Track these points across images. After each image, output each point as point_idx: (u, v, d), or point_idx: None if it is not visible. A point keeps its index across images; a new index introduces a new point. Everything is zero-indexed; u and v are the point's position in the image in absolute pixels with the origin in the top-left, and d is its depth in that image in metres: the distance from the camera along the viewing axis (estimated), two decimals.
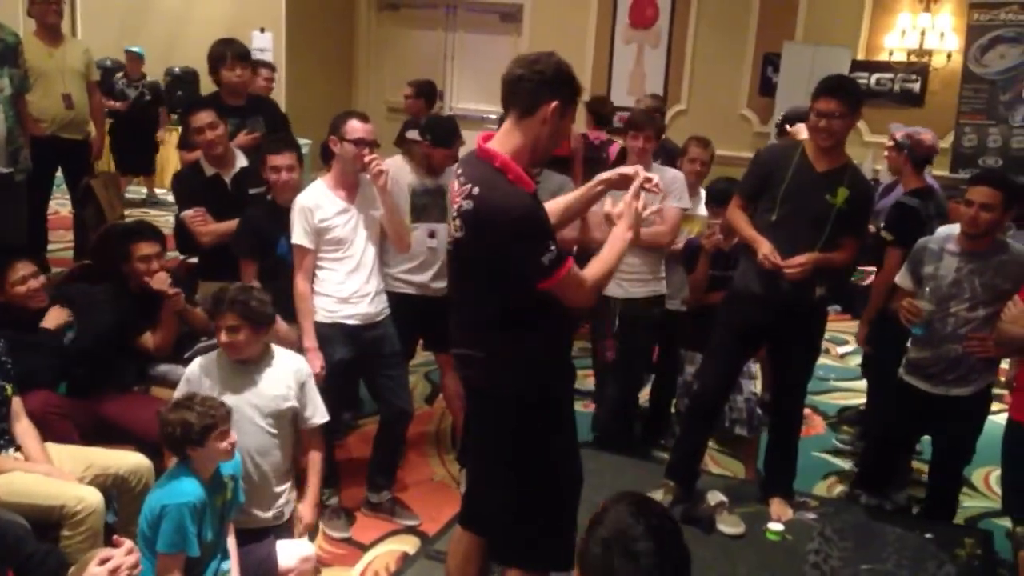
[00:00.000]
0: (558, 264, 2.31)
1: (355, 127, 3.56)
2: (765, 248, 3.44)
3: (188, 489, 2.80)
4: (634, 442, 4.46)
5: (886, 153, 4.84)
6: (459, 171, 2.41)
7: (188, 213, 4.13)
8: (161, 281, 3.76)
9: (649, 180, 2.55)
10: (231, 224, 4.01)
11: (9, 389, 3.17)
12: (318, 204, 3.57)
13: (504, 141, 2.37)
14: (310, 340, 3.56)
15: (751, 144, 6.50)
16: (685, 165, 4.46)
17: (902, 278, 3.72)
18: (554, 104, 2.32)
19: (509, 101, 2.37)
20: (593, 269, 2.46)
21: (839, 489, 4.35)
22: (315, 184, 3.66)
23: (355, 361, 3.69)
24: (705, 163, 4.51)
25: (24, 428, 3.15)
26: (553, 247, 2.30)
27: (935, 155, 4.50)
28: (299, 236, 3.57)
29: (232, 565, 3.04)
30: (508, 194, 2.29)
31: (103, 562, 2.37)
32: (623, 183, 2.64)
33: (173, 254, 4.77)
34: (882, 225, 4.32)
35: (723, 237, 4.19)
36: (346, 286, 3.60)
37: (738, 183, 3.95)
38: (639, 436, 4.57)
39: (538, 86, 2.31)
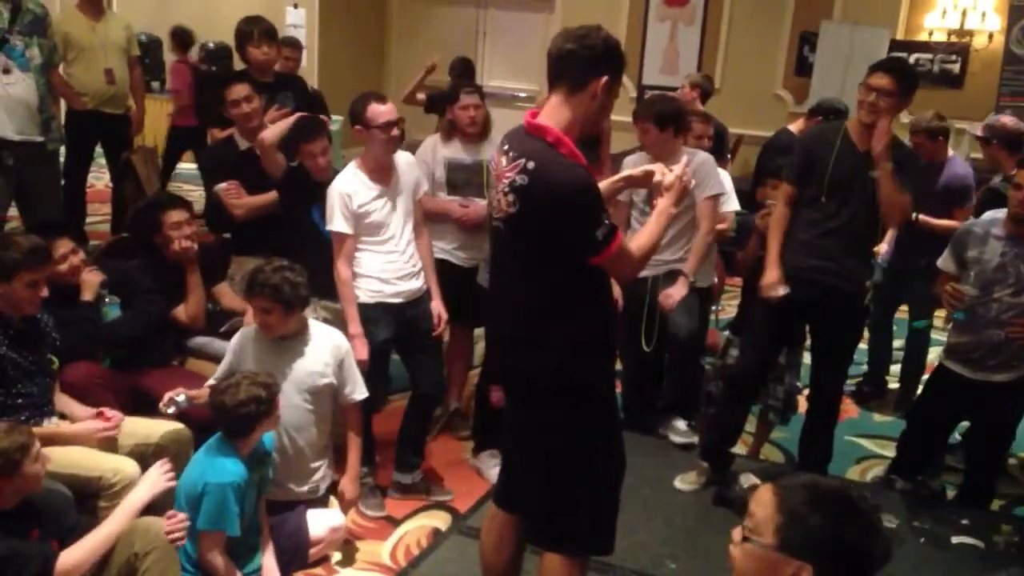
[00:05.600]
0: (611, 238, 2.30)
1: (379, 111, 3.45)
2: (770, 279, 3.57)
3: (231, 468, 2.82)
4: (655, 419, 4.34)
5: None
6: (506, 146, 2.38)
7: (222, 186, 4.14)
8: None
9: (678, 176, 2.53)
10: (264, 198, 4.02)
11: (56, 363, 3.22)
12: (355, 190, 3.50)
13: (553, 116, 2.33)
14: (356, 326, 3.50)
15: (785, 125, 6.43)
16: (690, 142, 4.23)
17: (945, 262, 3.66)
18: (604, 79, 2.30)
19: (558, 76, 2.33)
20: (639, 241, 2.47)
21: (873, 474, 4.31)
22: (349, 169, 3.58)
23: (395, 339, 3.67)
24: (711, 138, 4.46)
25: (60, 397, 3.23)
26: (606, 221, 2.30)
27: None
28: (339, 223, 3.49)
29: (265, 542, 3.08)
30: (565, 168, 2.27)
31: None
32: (647, 182, 2.62)
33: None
34: None
35: None
36: (389, 267, 3.57)
37: (784, 169, 3.88)
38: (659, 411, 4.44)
39: (589, 61, 2.29)
